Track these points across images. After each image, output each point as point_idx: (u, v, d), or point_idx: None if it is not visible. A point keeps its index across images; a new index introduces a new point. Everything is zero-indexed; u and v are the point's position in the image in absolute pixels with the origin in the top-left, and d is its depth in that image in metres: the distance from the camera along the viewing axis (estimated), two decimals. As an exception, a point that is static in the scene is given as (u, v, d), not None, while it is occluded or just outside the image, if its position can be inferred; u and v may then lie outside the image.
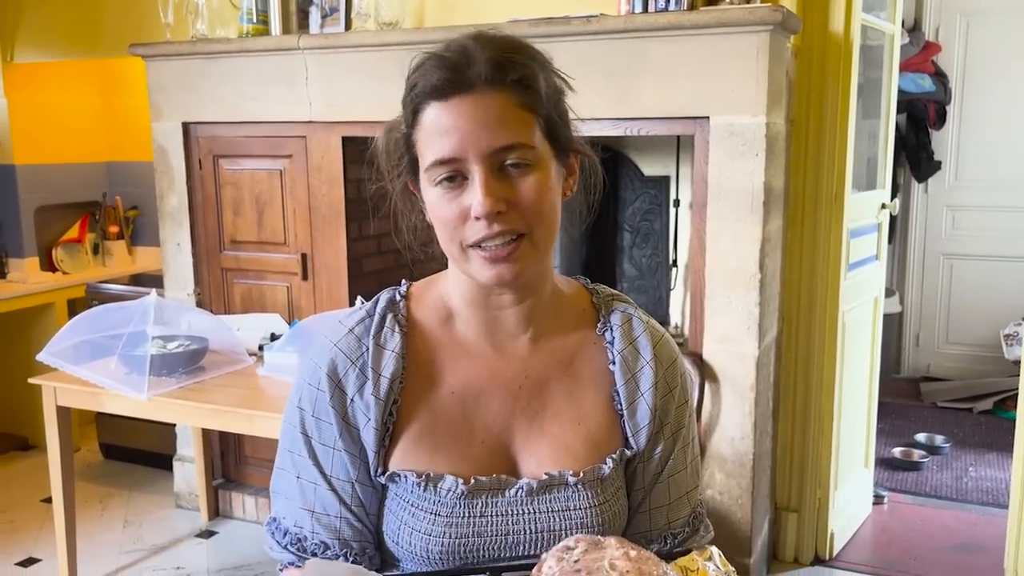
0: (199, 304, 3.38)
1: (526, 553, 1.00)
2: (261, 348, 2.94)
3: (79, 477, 3.75)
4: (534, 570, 0.82)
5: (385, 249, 3.34)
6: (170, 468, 3.62)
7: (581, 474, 1.01)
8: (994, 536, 3.14)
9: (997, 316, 4.67)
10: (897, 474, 3.75)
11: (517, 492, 1.00)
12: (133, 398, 2.59)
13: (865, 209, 3.14)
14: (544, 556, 0.85)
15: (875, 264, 3.29)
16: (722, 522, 2.70)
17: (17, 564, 3.12)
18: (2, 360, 4.09)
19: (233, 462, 3.50)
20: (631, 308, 1.10)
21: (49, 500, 2.92)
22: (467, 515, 0.98)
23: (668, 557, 1.00)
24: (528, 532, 1.00)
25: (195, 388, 2.67)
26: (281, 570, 1.06)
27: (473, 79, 0.91)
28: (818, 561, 3.07)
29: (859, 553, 3.13)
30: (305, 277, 3.23)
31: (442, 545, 0.98)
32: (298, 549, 1.02)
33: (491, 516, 0.99)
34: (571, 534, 0.99)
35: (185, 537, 3.32)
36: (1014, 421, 2.87)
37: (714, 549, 0.98)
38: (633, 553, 0.79)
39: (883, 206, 3.29)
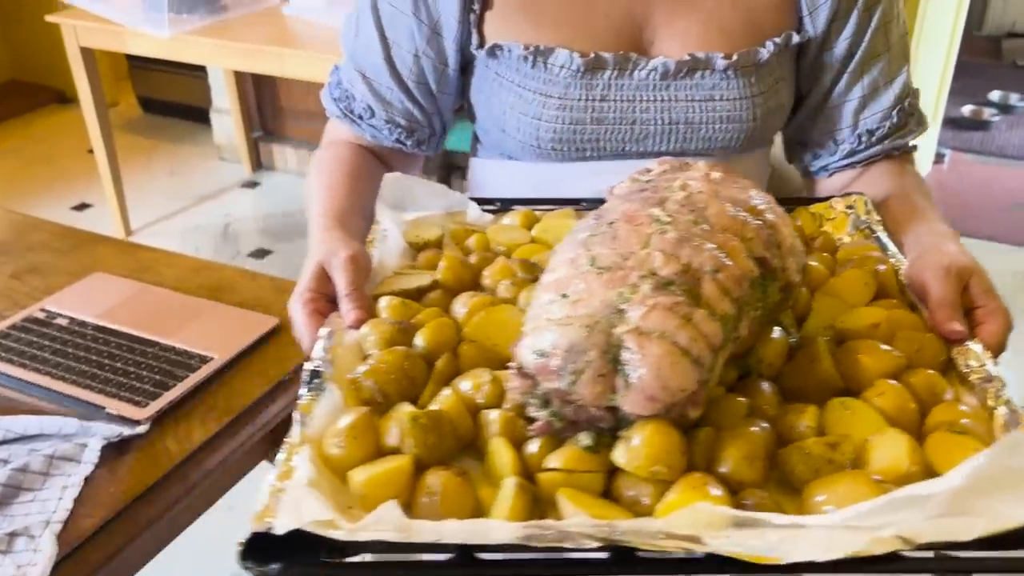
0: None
1: (655, 148, 0.86)
2: (286, -14, 2.72)
3: (121, 130, 3.74)
4: (607, 191, 0.71)
5: None
6: (209, 122, 3.57)
7: (734, 57, 0.84)
8: (1057, 195, 3.02)
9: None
10: (963, 133, 3.56)
11: (649, 74, 0.84)
12: (155, 36, 2.45)
13: None
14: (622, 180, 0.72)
15: None
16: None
17: (72, 208, 3.21)
18: (30, 9, 3.91)
19: (270, 114, 3.42)
20: None
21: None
22: (584, 98, 0.85)
23: (806, 202, 0.87)
24: (660, 123, 0.85)
25: (219, 27, 2.50)
26: (329, 116, 1.00)
27: None
28: (867, 217, 3.01)
29: (911, 210, 3.06)
30: (328, -95, 2.89)
31: (554, 132, 0.86)
32: (345, 108, 0.95)
33: (614, 101, 0.85)
34: (713, 128, 0.86)
35: (230, 187, 3.35)
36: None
37: (859, 196, 0.84)
38: (716, 175, 0.65)
39: None
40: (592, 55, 0.84)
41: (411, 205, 0.83)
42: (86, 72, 2.68)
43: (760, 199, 0.65)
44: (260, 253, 2.90)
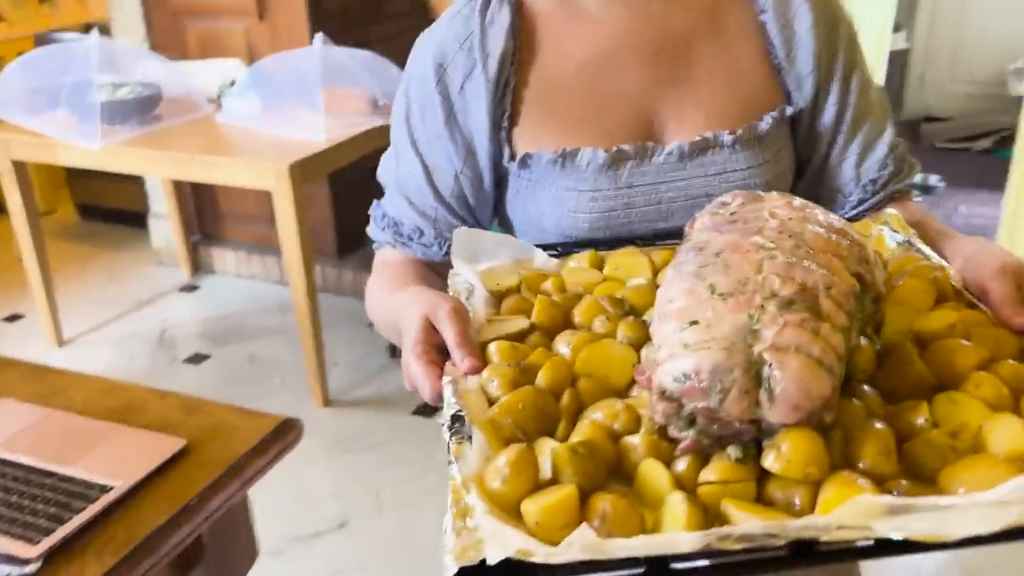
0: (153, 49, 3.15)
1: (683, 223, 0.92)
2: (220, 96, 2.76)
3: (58, 238, 3.72)
4: (687, 226, 0.76)
5: (348, -17, 3.06)
6: (147, 227, 3.56)
7: (738, 132, 0.93)
8: (978, 271, 3.13)
9: (1007, 50, 4.41)
10: (887, 214, 3.70)
11: (666, 158, 0.93)
12: (86, 148, 2.46)
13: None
14: (697, 213, 0.79)
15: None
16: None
17: (4, 320, 3.15)
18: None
19: (210, 217, 3.43)
20: None
21: (27, 259, 2.87)
22: (613, 187, 0.93)
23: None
24: (682, 199, 0.94)
25: (151, 136, 2.52)
26: (377, 248, 1.06)
27: None
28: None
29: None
30: (261, 17, 2.97)
31: (590, 221, 0.93)
32: (395, 233, 1.02)
33: (639, 186, 0.93)
34: None
35: (168, 292, 3.32)
36: (1011, 160, 2.75)
37: (890, 212, 0.91)
38: (797, 202, 0.72)
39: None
40: (614, 149, 0.93)
41: (482, 256, 0.89)
42: (18, 185, 2.68)
43: (838, 220, 0.71)
44: (197, 358, 2.86)
